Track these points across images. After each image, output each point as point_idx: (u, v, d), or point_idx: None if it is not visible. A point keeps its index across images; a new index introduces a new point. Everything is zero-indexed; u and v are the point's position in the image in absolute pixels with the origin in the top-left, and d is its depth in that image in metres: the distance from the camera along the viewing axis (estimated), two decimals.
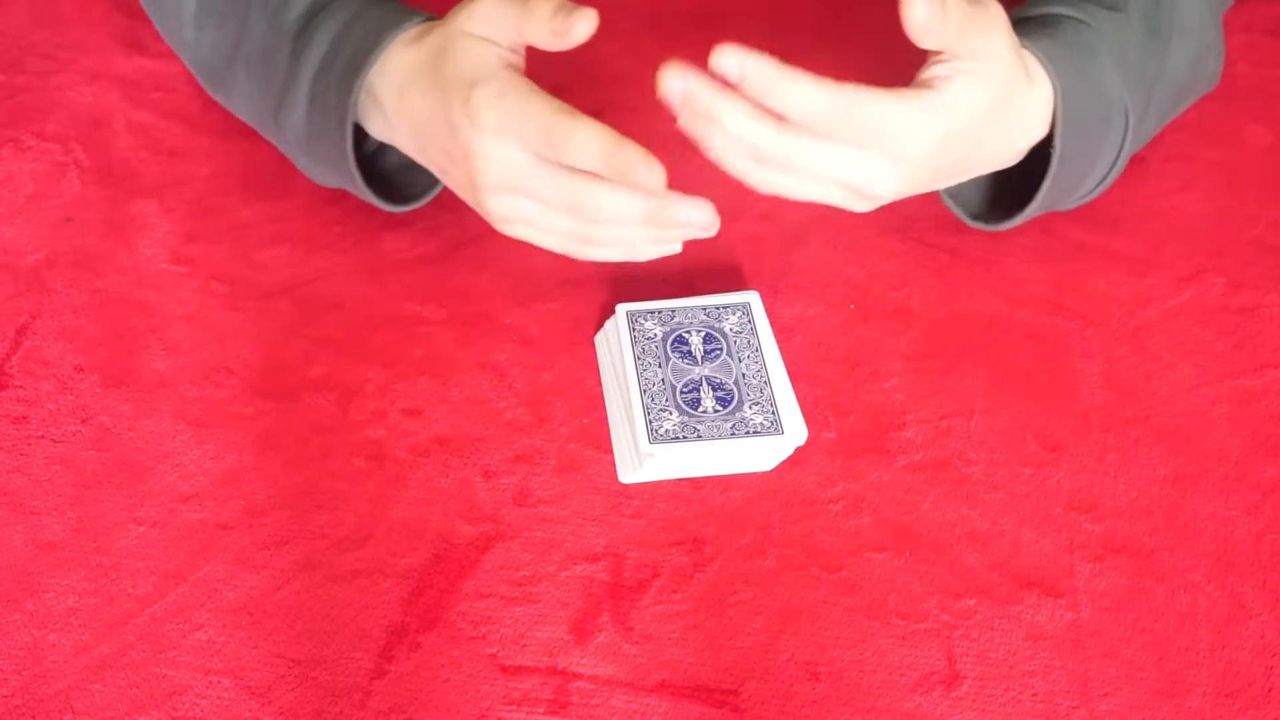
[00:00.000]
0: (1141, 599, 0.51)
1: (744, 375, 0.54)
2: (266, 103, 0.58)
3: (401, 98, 0.52)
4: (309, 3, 0.56)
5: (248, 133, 0.64)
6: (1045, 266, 0.62)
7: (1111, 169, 0.57)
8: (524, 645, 0.49)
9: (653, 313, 0.56)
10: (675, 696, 0.48)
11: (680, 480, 0.54)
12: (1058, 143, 0.53)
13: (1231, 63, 0.65)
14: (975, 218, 0.60)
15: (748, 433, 0.52)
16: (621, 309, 0.56)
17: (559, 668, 0.49)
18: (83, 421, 0.55)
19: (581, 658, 0.49)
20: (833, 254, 0.63)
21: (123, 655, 0.48)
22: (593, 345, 0.59)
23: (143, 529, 0.52)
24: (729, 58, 0.44)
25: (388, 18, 0.53)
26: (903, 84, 0.49)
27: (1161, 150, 0.67)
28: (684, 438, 0.51)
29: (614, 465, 0.55)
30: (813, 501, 0.54)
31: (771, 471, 0.55)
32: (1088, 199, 0.60)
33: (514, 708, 0.48)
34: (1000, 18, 0.49)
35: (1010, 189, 0.58)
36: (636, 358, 0.54)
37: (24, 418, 0.55)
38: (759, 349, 0.55)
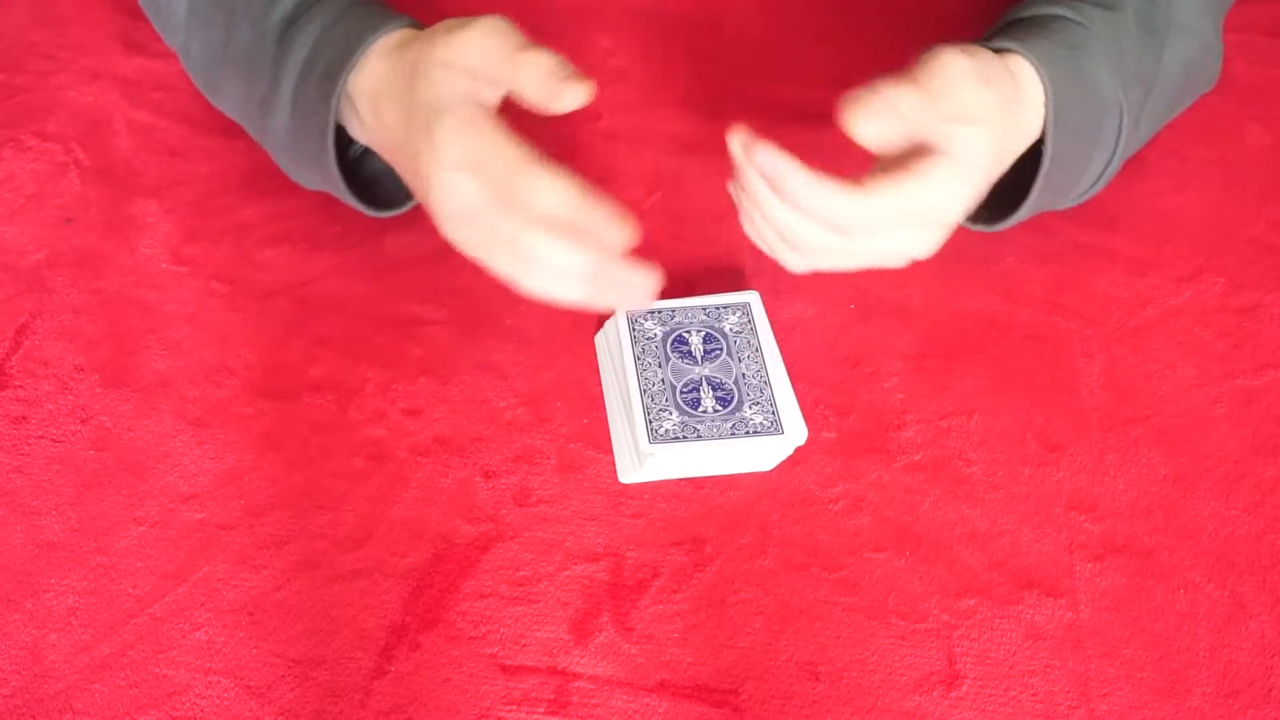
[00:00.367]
0: (1141, 599, 0.51)
1: (744, 375, 0.54)
2: (252, 105, 0.57)
3: (375, 106, 0.52)
4: (292, 5, 0.56)
5: (247, 133, 0.64)
6: (1045, 266, 0.62)
7: (1107, 168, 0.57)
8: (524, 645, 0.49)
9: (653, 313, 0.56)
10: (675, 696, 0.48)
11: (680, 480, 0.54)
12: (1049, 144, 0.53)
13: (1230, 62, 0.65)
14: (970, 219, 0.60)
15: (748, 433, 0.52)
16: (621, 309, 0.56)
17: (559, 668, 0.49)
18: (83, 421, 0.55)
19: (581, 658, 0.49)
20: None
21: (123, 655, 0.49)
22: (593, 345, 0.59)
23: (143, 529, 0.52)
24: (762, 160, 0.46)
25: (369, 21, 0.53)
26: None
27: (1160, 149, 0.67)
28: (684, 438, 0.51)
29: (614, 465, 0.55)
30: (813, 501, 0.54)
31: (771, 471, 0.55)
32: (1084, 198, 0.60)
33: (514, 708, 0.48)
34: (949, 59, 0.49)
35: (1003, 190, 0.58)
36: (636, 358, 0.54)
37: (24, 418, 0.55)
38: (759, 349, 0.55)
